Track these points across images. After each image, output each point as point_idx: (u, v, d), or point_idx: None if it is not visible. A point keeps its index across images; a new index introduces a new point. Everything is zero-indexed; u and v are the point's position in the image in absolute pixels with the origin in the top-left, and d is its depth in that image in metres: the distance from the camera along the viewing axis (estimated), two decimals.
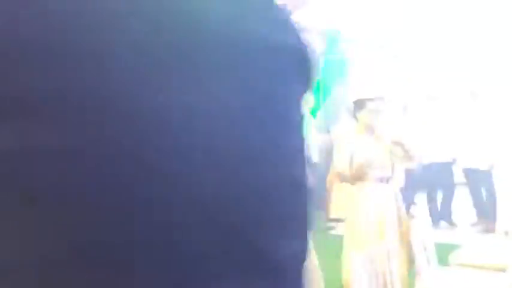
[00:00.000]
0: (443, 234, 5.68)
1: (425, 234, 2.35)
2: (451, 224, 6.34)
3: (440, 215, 6.40)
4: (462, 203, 6.54)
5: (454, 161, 6.42)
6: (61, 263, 0.37)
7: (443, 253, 3.10)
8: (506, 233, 3.68)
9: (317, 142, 6.74)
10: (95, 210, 0.38)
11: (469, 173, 6.24)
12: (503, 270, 2.54)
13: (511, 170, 4.41)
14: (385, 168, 3.53)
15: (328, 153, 7.01)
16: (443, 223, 6.37)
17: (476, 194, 6.17)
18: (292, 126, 0.52)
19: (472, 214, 6.21)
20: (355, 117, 3.97)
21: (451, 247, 3.50)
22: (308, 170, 0.57)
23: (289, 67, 0.52)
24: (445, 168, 6.38)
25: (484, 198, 6.07)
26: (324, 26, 8.27)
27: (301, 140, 0.54)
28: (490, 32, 8.02)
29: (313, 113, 6.99)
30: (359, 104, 3.96)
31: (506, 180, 4.12)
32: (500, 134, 6.14)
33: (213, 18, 0.46)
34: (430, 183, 6.47)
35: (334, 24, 8.09)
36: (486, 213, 6.04)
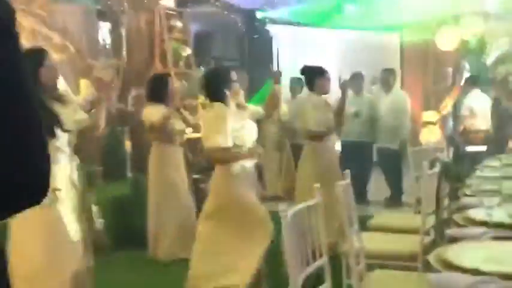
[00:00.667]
0: (360, 209, 5.95)
1: (347, 204, 2.47)
2: (367, 200, 6.66)
3: (358, 190, 6.69)
4: (377, 180, 6.90)
5: (373, 141, 6.73)
6: None
7: (362, 222, 3.30)
8: (416, 204, 4.00)
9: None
10: None
11: (382, 152, 6.64)
12: (415, 232, 2.79)
13: (416, 149, 4.83)
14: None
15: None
16: (359, 198, 6.67)
17: (388, 171, 6.59)
18: None
19: (385, 190, 6.60)
20: (314, 87, 4.10)
21: (369, 217, 3.72)
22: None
23: None
24: (365, 147, 6.67)
25: (395, 174, 6.49)
26: (248, 5, 8.32)
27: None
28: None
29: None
30: (318, 73, 4.09)
31: (412, 158, 4.48)
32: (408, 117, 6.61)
33: None
34: (351, 161, 6.74)
35: (258, 4, 8.16)
36: (397, 188, 6.48)
